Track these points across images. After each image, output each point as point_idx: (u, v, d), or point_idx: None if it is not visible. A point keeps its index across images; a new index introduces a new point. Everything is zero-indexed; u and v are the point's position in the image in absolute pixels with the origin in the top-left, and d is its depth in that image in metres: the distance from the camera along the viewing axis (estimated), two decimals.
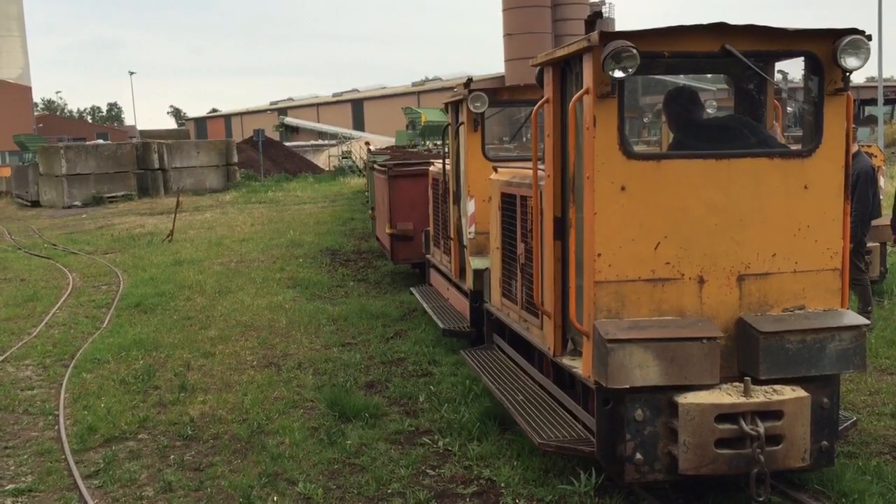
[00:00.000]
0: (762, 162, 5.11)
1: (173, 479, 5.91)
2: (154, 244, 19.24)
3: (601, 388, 4.99)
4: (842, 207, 5.20)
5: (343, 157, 44.96)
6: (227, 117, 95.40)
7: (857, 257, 8.89)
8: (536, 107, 5.87)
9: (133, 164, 34.98)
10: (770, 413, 4.80)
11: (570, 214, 5.47)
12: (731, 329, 5.13)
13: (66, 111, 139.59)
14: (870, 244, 9.50)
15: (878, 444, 6.15)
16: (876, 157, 10.88)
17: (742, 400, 4.81)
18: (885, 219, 10.15)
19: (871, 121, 37.98)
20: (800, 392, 4.90)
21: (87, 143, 45.13)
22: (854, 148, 7.72)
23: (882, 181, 11.15)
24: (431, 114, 36.20)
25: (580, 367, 5.42)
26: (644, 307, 5.08)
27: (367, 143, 48.62)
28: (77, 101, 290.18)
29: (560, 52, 5.47)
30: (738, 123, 5.64)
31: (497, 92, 8.97)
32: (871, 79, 53.60)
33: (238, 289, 13.11)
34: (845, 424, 5.52)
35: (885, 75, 31.65)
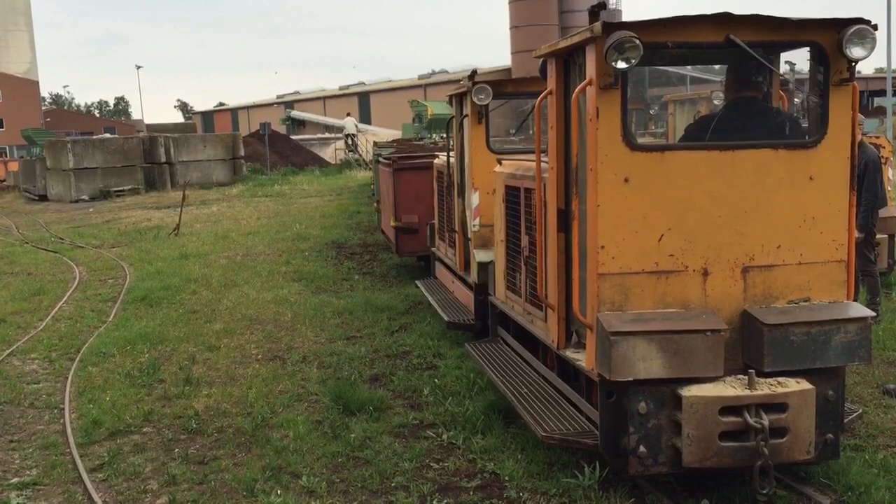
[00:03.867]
0: (767, 153, 5.07)
1: (177, 473, 5.92)
2: (160, 238, 19.27)
3: (605, 381, 4.97)
4: (847, 199, 5.16)
5: (349, 150, 44.91)
6: (234, 111, 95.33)
7: (868, 248, 8.83)
8: (540, 98, 5.84)
9: (140, 157, 35.01)
10: (774, 406, 4.78)
11: (574, 207, 5.44)
12: (735, 321, 5.10)
13: (73, 105, 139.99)
14: (878, 236, 9.44)
15: (884, 436, 6.11)
16: (884, 147, 10.81)
17: (746, 392, 4.78)
18: (892, 209, 10.09)
19: (880, 112, 37.77)
20: (804, 384, 4.87)
21: (94, 137, 45.20)
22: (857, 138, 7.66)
23: (890, 172, 11.08)
24: (438, 107, 36.03)
25: (584, 359, 5.40)
26: (648, 300, 5.06)
27: (349, 114, 48.49)
28: (84, 95, 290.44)
29: (563, 44, 5.43)
30: (784, 114, 5.62)
31: (501, 84, 8.93)
32: (880, 70, 53.33)
33: (244, 282, 13.12)
34: (851, 417, 5.50)
35: (894, 66, 31.44)
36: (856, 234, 8.35)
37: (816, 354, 4.94)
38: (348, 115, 49.09)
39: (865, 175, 8.39)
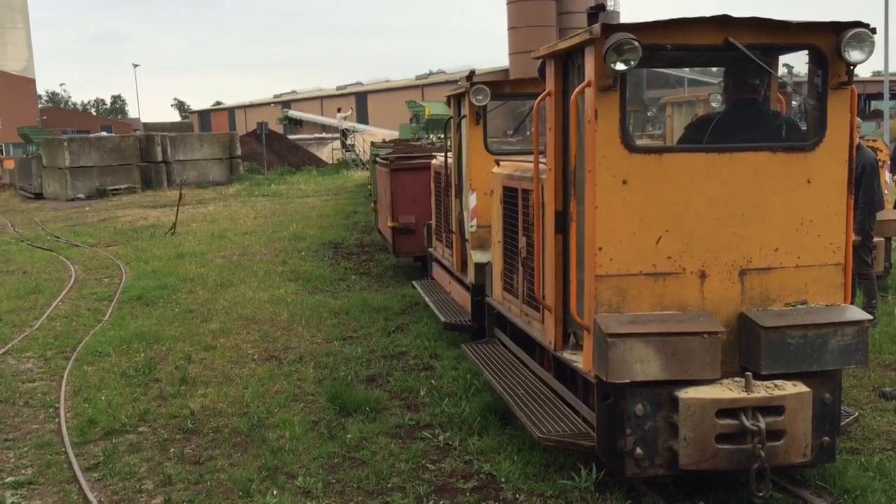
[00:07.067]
0: (765, 156, 5.08)
1: (173, 473, 5.90)
2: (157, 237, 19.24)
3: (602, 383, 4.97)
4: (845, 202, 5.17)
5: (347, 151, 44.89)
6: (231, 110, 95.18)
7: (865, 251, 8.83)
8: (538, 100, 5.84)
9: (136, 156, 34.96)
10: (771, 408, 4.78)
11: (572, 208, 5.44)
12: (732, 324, 5.10)
13: (70, 104, 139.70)
14: (874, 239, 9.44)
15: (880, 439, 6.12)
16: (881, 151, 10.83)
17: (743, 395, 4.78)
18: (889, 213, 10.10)
19: (877, 115, 37.86)
20: (801, 387, 4.87)
21: (91, 135, 45.11)
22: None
23: (887, 176, 11.10)
24: (435, 107, 35.97)
25: (581, 361, 5.40)
26: (645, 301, 5.06)
27: (339, 110, 48.61)
28: (81, 93, 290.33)
29: (562, 45, 5.43)
30: (782, 117, 5.63)
31: (499, 85, 8.92)
32: (878, 73, 53.40)
33: (240, 282, 13.10)
34: (847, 420, 5.50)
35: (892, 69, 31.49)
36: (853, 237, 8.35)
37: (813, 357, 4.94)
38: (338, 110, 49.22)
39: (863, 178, 8.40)
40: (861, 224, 8.45)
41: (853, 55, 4.91)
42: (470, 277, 8.73)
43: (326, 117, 68.11)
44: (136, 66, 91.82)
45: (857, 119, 6.10)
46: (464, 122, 8.95)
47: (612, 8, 51.54)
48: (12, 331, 10.47)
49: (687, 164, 5.04)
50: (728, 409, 4.75)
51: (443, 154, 10.38)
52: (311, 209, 23.40)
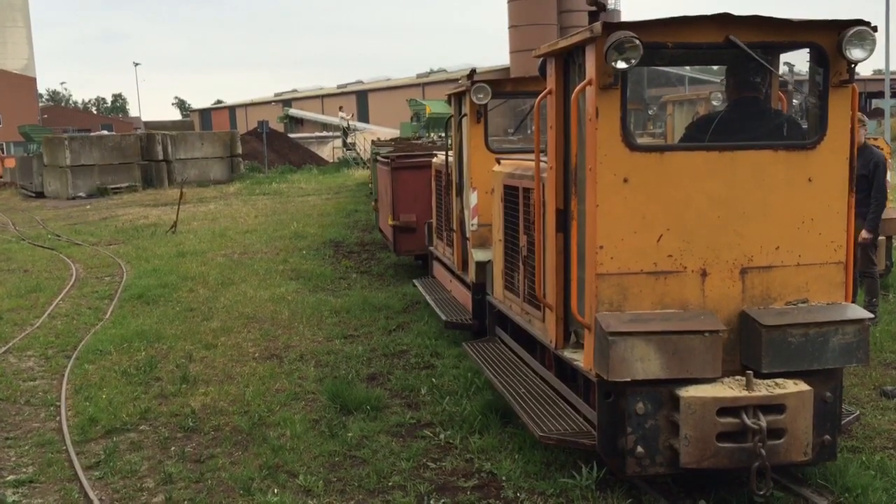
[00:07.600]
0: (766, 154, 5.07)
1: (174, 471, 5.91)
2: (157, 235, 19.24)
3: (602, 381, 4.97)
4: (846, 200, 5.16)
5: (347, 149, 44.87)
6: (232, 109, 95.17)
7: (872, 249, 8.81)
8: (539, 98, 5.83)
9: (137, 155, 34.99)
10: (772, 407, 4.78)
11: (573, 206, 5.44)
12: (733, 322, 5.09)
13: (70, 102, 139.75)
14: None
15: (881, 438, 6.12)
16: (882, 149, 10.80)
17: (744, 393, 4.78)
18: (890, 211, 10.08)
19: (878, 114, 37.84)
20: (802, 386, 4.87)
21: (92, 134, 45.11)
22: (861, 139, 7.64)
23: (889, 174, 11.07)
24: (436, 106, 35.95)
25: (582, 359, 5.40)
26: (646, 300, 5.05)
27: (341, 108, 48.70)
28: (82, 92, 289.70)
29: (563, 43, 5.43)
30: (783, 115, 5.63)
31: (500, 83, 8.92)
32: (879, 71, 53.36)
33: (241, 280, 13.10)
34: (848, 419, 5.50)
35: (893, 68, 31.48)
36: (866, 234, 8.31)
37: (814, 356, 4.94)
38: (340, 108, 49.29)
39: (875, 176, 8.37)
40: (874, 222, 8.43)
41: (854, 53, 4.91)
42: (471, 276, 8.73)
43: (327, 116, 68.08)
44: (136, 64, 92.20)
45: (865, 118, 6.10)
46: (465, 120, 8.95)
47: (612, 6, 51.49)
48: (13, 329, 10.48)
49: (688, 163, 5.03)
50: (729, 408, 4.74)
51: (444, 152, 10.38)
52: (311, 208, 23.40)
